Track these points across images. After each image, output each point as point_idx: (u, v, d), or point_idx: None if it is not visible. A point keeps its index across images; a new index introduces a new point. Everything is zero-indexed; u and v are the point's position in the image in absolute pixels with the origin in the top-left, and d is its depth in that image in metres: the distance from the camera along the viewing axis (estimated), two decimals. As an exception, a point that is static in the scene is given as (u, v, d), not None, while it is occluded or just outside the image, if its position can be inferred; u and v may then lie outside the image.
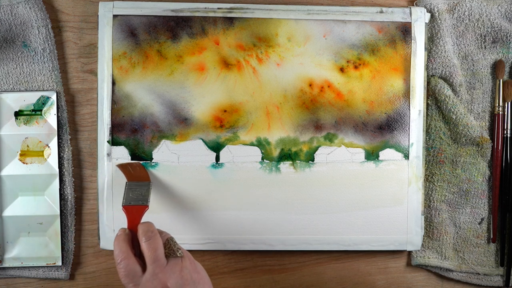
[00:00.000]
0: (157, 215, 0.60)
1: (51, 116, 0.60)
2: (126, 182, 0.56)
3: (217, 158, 0.61)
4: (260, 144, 0.61)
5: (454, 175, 0.63)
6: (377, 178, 0.61)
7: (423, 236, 0.63)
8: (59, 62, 0.61)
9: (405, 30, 0.61)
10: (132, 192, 0.55)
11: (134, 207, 0.53)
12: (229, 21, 0.60)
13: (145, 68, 0.60)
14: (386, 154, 0.62)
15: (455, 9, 0.62)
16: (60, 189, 0.61)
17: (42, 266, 0.61)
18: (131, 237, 0.51)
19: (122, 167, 0.59)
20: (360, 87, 0.61)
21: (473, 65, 0.63)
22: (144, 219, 0.52)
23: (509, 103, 0.63)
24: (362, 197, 0.61)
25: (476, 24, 0.62)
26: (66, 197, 0.61)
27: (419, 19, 0.61)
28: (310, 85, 0.61)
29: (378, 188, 0.61)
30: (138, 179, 0.57)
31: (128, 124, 0.60)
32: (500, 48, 0.63)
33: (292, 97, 0.61)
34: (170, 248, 0.50)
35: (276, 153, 0.61)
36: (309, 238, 0.61)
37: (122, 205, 0.54)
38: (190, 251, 0.62)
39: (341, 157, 0.61)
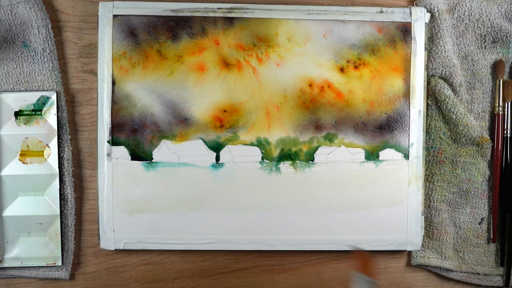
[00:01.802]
0: (157, 215, 0.60)
1: (51, 116, 0.60)
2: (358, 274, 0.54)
3: (217, 158, 0.61)
4: (260, 144, 0.61)
5: (454, 175, 0.63)
6: (377, 178, 0.61)
7: (423, 236, 0.63)
8: (59, 62, 0.61)
9: (405, 30, 0.61)
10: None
11: None
12: (229, 21, 0.60)
13: (145, 68, 0.60)
14: (386, 154, 0.62)
15: (455, 9, 0.62)
16: (60, 189, 0.61)
17: (42, 266, 0.61)
18: None
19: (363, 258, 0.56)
20: (360, 87, 0.61)
21: (473, 65, 0.63)
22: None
23: (509, 103, 0.63)
24: (362, 197, 0.61)
25: (476, 24, 0.62)
26: (66, 197, 0.61)
27: (419, 19, 0.61)
28: (310, 85, 0.61)
29: (378, 188, 0.61)
30: (368, 274, 0.54)
31: (128, 124, 0.60)
32: (500, 48, 0.63)
33: (292, 97, 0.61)
34: None
35: (276, 153, 0.61)
36: (309, 238, 0.61)
37: None
38: (190, 251, 0.63)
39: (341, 157, 0.61)
